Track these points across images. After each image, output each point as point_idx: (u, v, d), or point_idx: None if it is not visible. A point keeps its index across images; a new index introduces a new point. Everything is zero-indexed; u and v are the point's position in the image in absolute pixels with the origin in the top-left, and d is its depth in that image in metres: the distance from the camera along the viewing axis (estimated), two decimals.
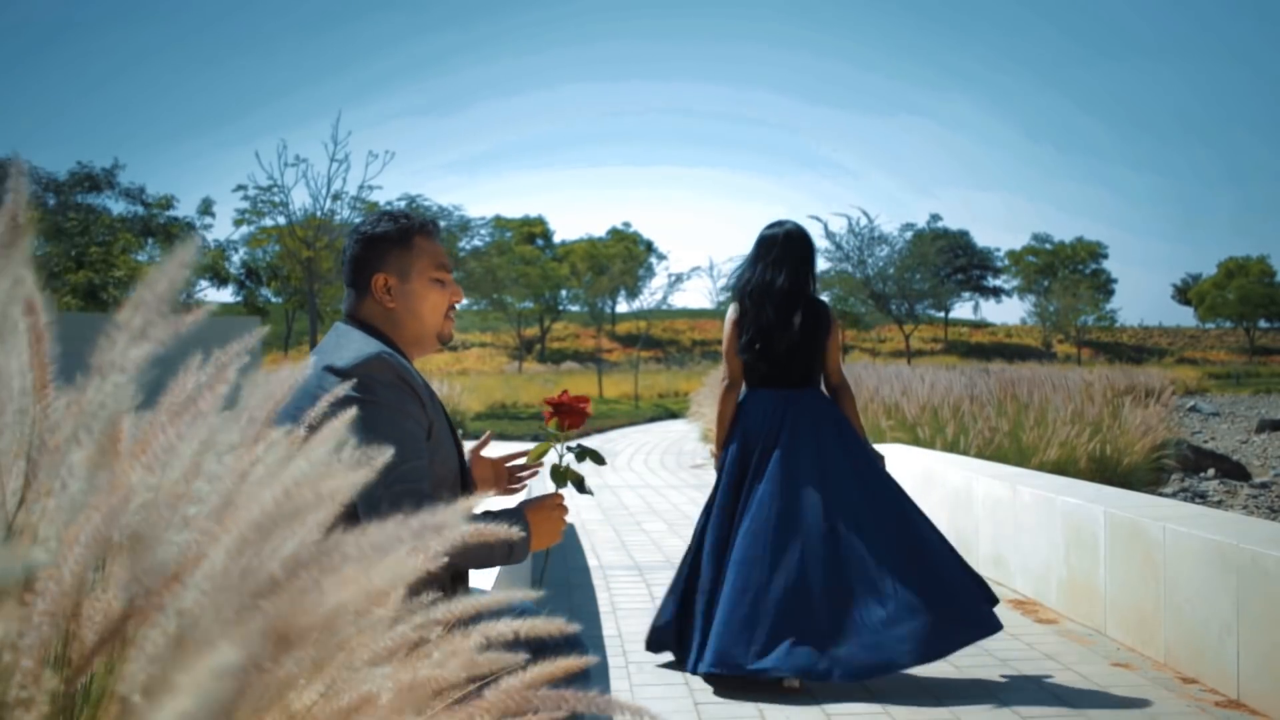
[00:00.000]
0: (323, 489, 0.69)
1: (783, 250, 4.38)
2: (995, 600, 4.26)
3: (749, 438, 4.32)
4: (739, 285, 4.45)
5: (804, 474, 4.22)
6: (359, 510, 1.97)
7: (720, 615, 4.12)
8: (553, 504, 2.19)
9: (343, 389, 2.02)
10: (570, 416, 2.31)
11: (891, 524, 4.22)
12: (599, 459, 2.33)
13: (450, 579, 2.10)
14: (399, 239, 2.23)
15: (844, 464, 4.27)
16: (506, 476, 2.48)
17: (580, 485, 2.30)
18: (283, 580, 0.65)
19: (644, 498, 10.49)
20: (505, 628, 0.75)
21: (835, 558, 4.12)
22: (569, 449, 2.31)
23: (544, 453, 2.32)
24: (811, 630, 4.01)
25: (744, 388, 4.43)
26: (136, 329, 0.71)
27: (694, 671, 4.19)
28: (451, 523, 0.72)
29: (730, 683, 4.14)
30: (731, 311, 4.43)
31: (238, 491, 0.70)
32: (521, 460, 2.48)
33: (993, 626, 4.14)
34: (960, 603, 4.11)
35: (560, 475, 2.30)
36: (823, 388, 4.47)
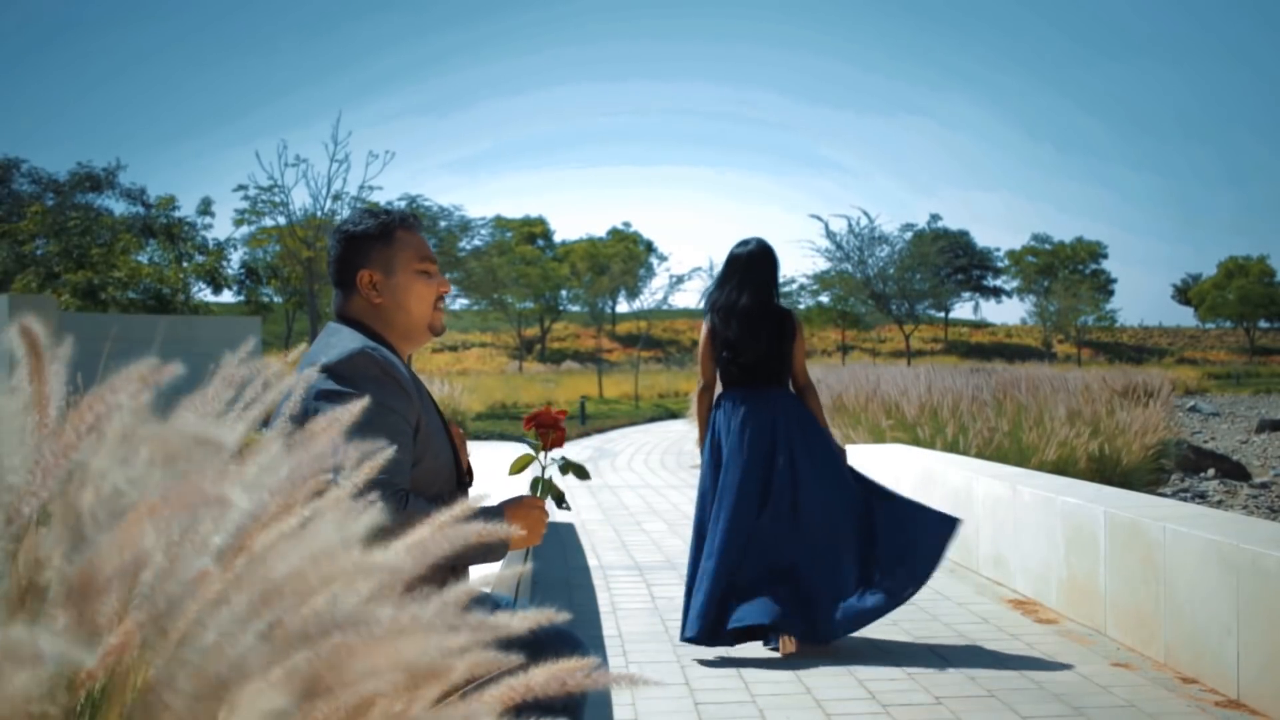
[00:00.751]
0: (355, 562, 0.69)
1: (745, 271, 4.84)
2: (952, 529, 4.75)
3: (726, 432, 4.80)
4: (710, 303, 4.93)
5: (772, 464, 4.72)
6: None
7: (704, 589, 4.64)
8: (533, 504, 2.19)
9: (325, 383, 2.02)
10: (553, 431, 2.29)
11: (847, 506, 4.74)
12: (583, 474, 2.30)
13: (449, 572, 2.10)
14: (380, 234, 2.25)
15: (807, 455, 4.75)
16: None
17: (560, 500, 2.27)
18: (316, 638, 0.65)
19: (644, 498, 10.49)
20: (502, 621, 0.75)
21: (799, 536, 4.67)
22: (553, 460, 2.28)
23: (525, 465, 2.30)
24: (782, 593, 4.59)
25: (720, 387, 4.92)
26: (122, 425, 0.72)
27: (682, 639, 4.68)
28: (495, 624, 0.72)
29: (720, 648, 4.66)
30: (705, 324, 4.93)
31: (259, 540, 0.70)
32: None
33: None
34: (907, 564, 4.68)
35: (537, 486, 2.27)
36: (790, 387, 4.92)
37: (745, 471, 4.69)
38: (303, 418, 2.03)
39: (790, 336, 4.80)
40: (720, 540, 4.66)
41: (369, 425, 2.01)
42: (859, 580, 4.67)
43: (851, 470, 4.86)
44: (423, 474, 2.14)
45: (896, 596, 4.67)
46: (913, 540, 4.71)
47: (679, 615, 5.29)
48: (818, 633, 4.61)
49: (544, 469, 2.27)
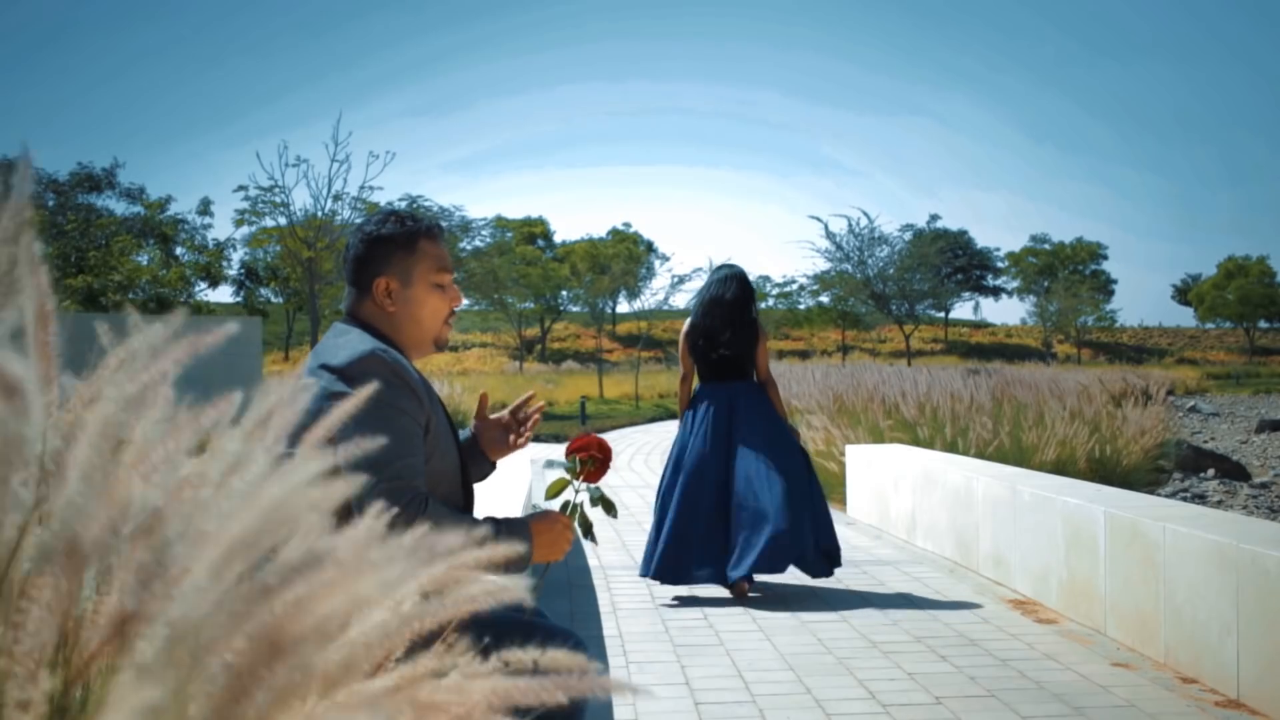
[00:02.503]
0: (314, 497, 0.68)
1: (723, 287, 5.97)
2: (836, 560, 5.91)
3: (703, 415, 5.90)
4: (695, 310, 6.07)
5: (737, 442, 5.80)
6: (353, 508, 1.96)
7: (666, 537, 5.75)
8: (558, 519, 2.20)
9: (335, 385, 2.03)
10: (597, 468, 2.31)
11: (789, 478, 5.72)
12: (612, 510, 2.34)
13: None
14: (403, 242, 2.23)
15: (766, 437, 5.81)
16: (514, 426, 2.49)
17: (588, 531, 2.30)
18: (276, 588, 0.64)
19: (644, 497, 10.48)
20: (523, 655, 0.73)
21: (750, 497, 5.69)
22: (586, 490, 2.31)
23: (561, 489, 2.31)
24: (731, 544, 5.66)
25: (698, 381, 6.04)
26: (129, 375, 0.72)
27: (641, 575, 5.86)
28: (451, 547, 0.72)
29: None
30: (686, 327, 6.05)
31: (228, 499, 0.69)
32: (523, 399, 2.49)
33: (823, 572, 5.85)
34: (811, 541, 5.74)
35: (567, 510, 2.29)
36: (755, 380, 6.01)
37: (708, 446, 5.82)
38: (312, 419, 2.03)
39: (755, 341, 5.92)
40: (677, 501, 5.79)
41: (379, 427, 2.02)
42: (798, 529, 5.64)
43: (802, 450, 5.97)
44: (430, 475, 2.14)
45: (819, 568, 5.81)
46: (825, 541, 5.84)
47: (679, 615, 5.33)
48: (774, 565, 5.61)
49: (577, 493, 2.30)
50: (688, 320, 6.04)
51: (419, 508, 2.02)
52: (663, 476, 6.00)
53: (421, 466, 2.06)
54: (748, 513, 5.65)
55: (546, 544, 2.16)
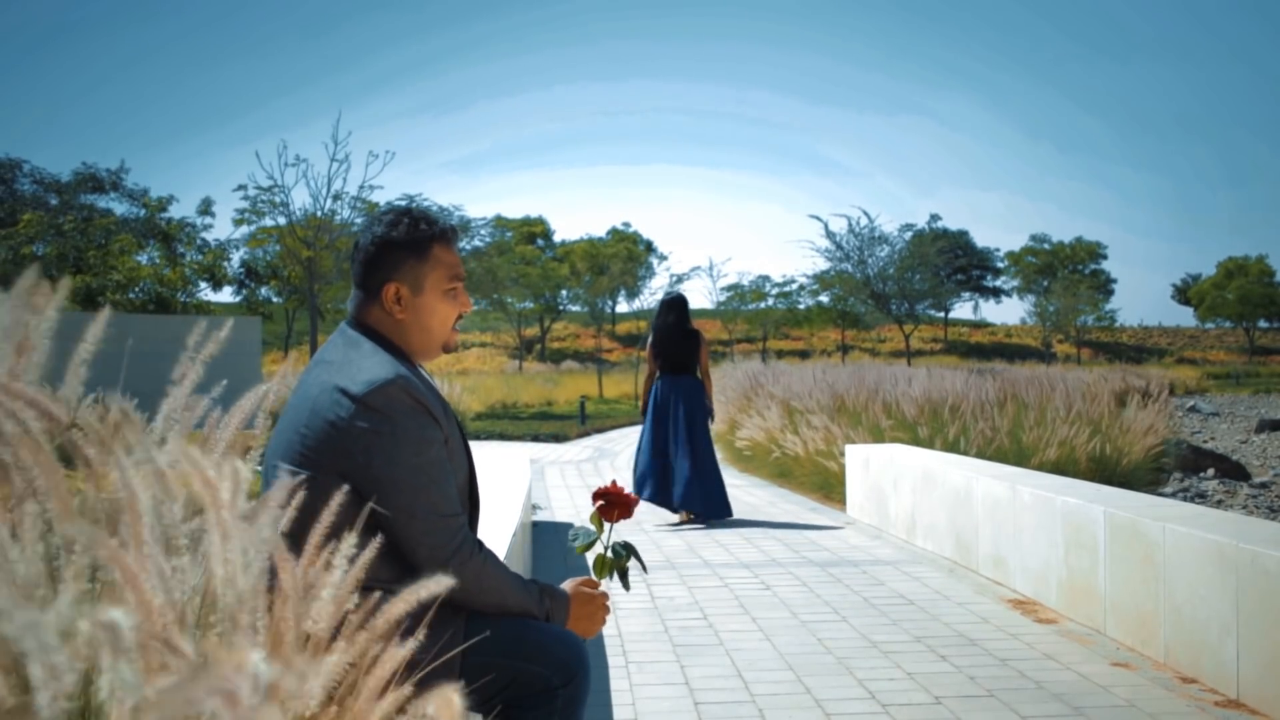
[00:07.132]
0: None
1: (671, 307, 8.66)
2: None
3: (659, 396, 8.63)
4: (653, 324, 8.77)
5: (678, 417, 8.53)
6: (404, 541, 1.98)
7: (637, 476, 8.66)
8: (600, 604, 2.24)
9: (362, 419, 2.00)
10: (620, 508, 2.35)
11: (703, 443, 8.58)
12: (641, 563, 2.39)
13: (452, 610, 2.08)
14: (416, 247, 2.15)
15: (697, 415, 8.58)
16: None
17: (624, 577, 2.34)
18: None
19: None
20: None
21: (685, 454, 8.46)
22: (616, 545, 2.35)
23: (591, 547, 2.35)
24: (667, 485, 8.55)
25: (658, 373, 8.68)
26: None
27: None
28: None
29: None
30: (650, 337, 8.72)
31: None
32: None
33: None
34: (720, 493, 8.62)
35: (603, 566, 2.33)
36: (697, 374, 8.70)
37: (659, 419, 8.56)
38: (325, 441, 2.01)
39: (697, 346, 8.58)
40: (646, 455, 8.56)
41: (417, 465, 2.01)
42: (702, 482, 8.47)
43: (708, 430, 8.63)
44: None
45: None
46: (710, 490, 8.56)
47: (679, 615, 5.34)
48: (686, 505, 8.44)
49: (606, 548, 2.34)
50: (651, 334, 8.70)
51: (471, 551, 2.04)
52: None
53: (452, 494, 2.05)
54: (676, 468, 8.44)
55: (584, 616, 2.21)
